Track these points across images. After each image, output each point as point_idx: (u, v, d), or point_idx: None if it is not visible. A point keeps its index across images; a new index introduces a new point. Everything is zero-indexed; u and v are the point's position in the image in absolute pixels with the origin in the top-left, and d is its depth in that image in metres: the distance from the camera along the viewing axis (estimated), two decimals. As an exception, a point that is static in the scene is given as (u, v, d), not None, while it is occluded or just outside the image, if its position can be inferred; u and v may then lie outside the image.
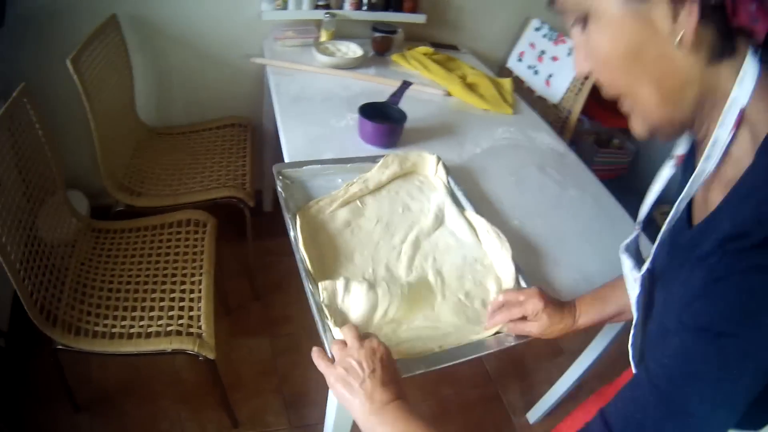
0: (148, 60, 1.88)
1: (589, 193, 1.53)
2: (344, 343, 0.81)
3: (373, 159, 1.34)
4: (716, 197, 0.54)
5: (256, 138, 2.04)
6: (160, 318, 1.32)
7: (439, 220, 1.24)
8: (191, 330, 1.30)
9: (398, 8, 1.93)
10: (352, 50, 1.83)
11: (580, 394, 1.75)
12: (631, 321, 0.74)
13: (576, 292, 1.06)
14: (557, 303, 0.99)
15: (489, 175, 1.49)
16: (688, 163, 0.68)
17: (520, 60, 2.30)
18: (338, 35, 1.87)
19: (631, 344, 0.74)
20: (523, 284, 1.09)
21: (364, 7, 1.87)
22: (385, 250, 1.13)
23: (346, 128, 1.52)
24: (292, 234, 1.07)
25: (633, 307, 0.73)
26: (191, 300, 1.38)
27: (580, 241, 1.33)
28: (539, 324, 0.96)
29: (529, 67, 2.26)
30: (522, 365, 2.09)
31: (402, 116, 1.47)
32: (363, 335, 0.82)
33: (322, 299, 0.94)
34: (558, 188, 1.52)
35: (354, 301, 0.96)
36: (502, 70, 2.43)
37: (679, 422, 0.50)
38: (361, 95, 1.65)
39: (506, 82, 1.99)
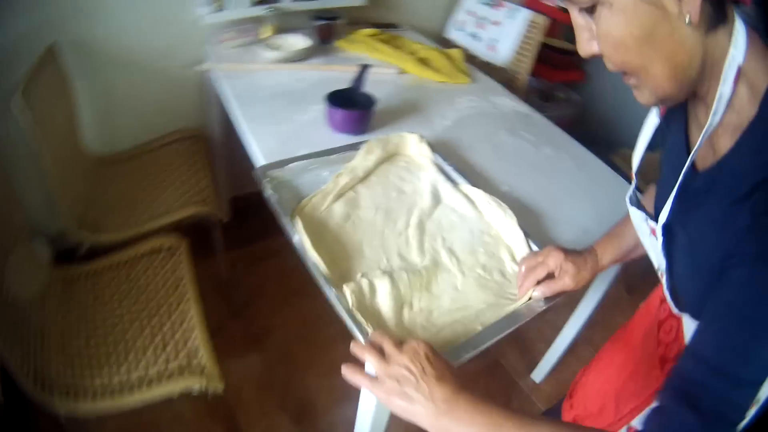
0: (90, 86, 1.71)
1: (563, 149, 1.55)
2: (379, 352, 0.74)
3: (355, 147, 1.28)
4: (724, 143, 0.60)
5: (209, 149, 1.93)
6: (156, 358, 1.21)
7: (437, 199, 1.20)
8: (193, 363, 1.21)
9: None
10: (298, 42, 1.75)
11: (578, 347, 1.79)
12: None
13: (582, 246, 1.06)
14: (575, 252, 1.00)
15: (465, 145, 1.46)
16: (672, 114, 0.74)
17: (460, 29, 2.29)
18: (280, 30, 1.79)
19: (668, 289, 0.77)
20: (534, 248, 1.08)
21: None
22: (392, 237, 1.08)
23: (312, 121, 1.45)
24: (296, 238, 1.00)
25: (658, 256, 0.75)
26: (184, 332, 1.28)
27: (570, 197, 1.33)
28: (569, 275, 0.95)
29: (471, 35, 2.24)
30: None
31: (370, 100, 1.42)
32: (397, 340, 0.75)
33: (351, 304, 0.88)
34: (533, 149, 1.53)
35: (381, 298, 0.91)
36: (443, 42, 2.40)
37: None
38: (318, 85, 1.58)
39: (456, 53, 1.97)
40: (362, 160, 1.24)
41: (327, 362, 1.84)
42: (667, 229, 0.70)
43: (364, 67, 1.49)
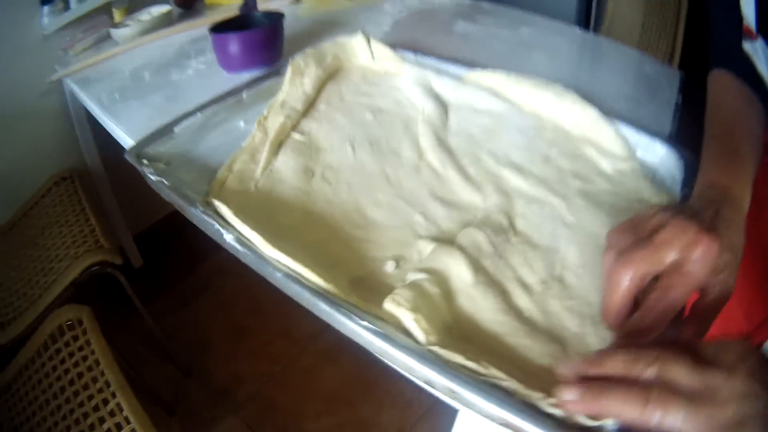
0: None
1: (535, 25, 1.13)
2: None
3: (274, 74, 0.77)
4: None
5: (86, 186, 1.44)
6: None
7: (440, 102, 0.71)
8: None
9: None
10: (155, 11, 1.29)
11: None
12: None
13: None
14: (688, 208, 0.43)
15: (424, 43, 1.00)
16: None
17: None
18: (134, 9, 1.32)
19: None
20: (629, 135, 0.62)
21: None
22: (407, 177, 0.58)
23: (197, 75, 0.94)
24: (228, 238, 0.47)
25: None
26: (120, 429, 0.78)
27: (582, 75, 0.93)
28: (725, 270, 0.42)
29: None
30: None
31: (274, 15, 0.93)
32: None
33: (423, 337, 0.38)
34: (509, 31, 1.10)
35: (467, 294, 0.44)
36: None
37: None
38: (196, 43, 1.09)
39: None
40: (294, 86, 0.72)
41: (320, 397, 1.37)
42: None
43: None
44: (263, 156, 0.61)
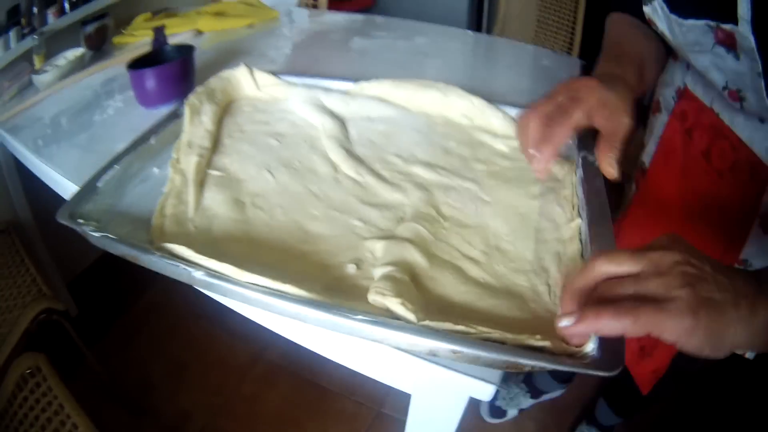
0: None
1: (428, 34, 1.25)
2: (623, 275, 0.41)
3: (173, 117, 0.77)
4: None
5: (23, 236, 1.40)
6: None
7: (335, 117, 0.77)
8: None
9: None
10: (69, 55, 1.29)
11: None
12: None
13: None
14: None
15: (322, 61, 1.09)
16: None
17: None
18: (53, 55, 1.30)
19: None
20: (512, 114, 0.74)
21: (67, 10, 1.37)
22: (332, 191, 0.64)
23: (117, 113, 0.95)
24: (198, 275, 0.49)
25: (736, 67, 0.58)
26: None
27: (479, 75, 1.06)
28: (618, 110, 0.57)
29: None
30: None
31: (185, 48, 0.96)
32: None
33: (415, 316, 0.44)
34: (405, 41, 1.20)
35: (434, 276, 0.51)
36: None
37: None
38: (109, 83, 1.09)
39: None
40: (194, 125, 0.74)
41: (267, 421, 1.39)
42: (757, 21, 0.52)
43: (158, 29, 1.03)
44: (190, 196, 0.63)
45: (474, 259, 0.53)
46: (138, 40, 1.40)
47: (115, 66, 1.19)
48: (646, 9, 0.66)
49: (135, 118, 0.89)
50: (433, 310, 0.46)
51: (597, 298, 0.40)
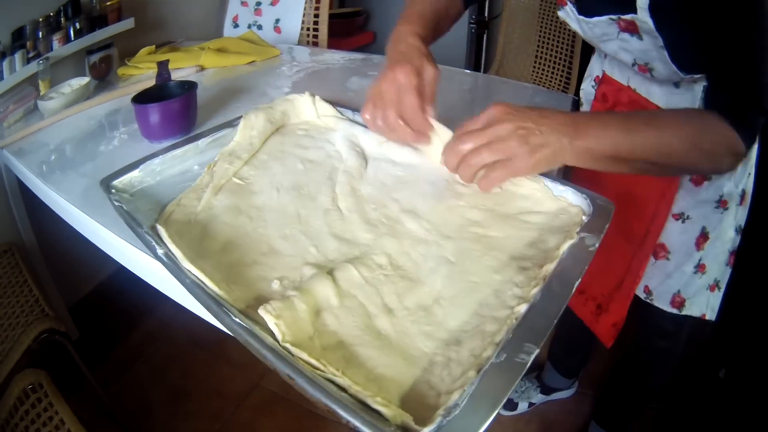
0: None
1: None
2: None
3: (228, 125, 0.89)
4: None
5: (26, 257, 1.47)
6: None
7: (362, 156, 0.82)
8: None
9: (104, 23, 1.54)
10: (75, 83, 1.36)
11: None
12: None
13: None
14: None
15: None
16: None
17: (236, 26, 2.01)
18: (57, 81, 1.39)
19: (674, 59, 0.74)
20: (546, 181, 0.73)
21: (72, 38, 1.46)
22: (315, 217, 0.69)
23: (124, 143, 1.02)
24: (160, 252, 0.58)
25: (642, 45, 0.75)
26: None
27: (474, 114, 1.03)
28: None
29: (251, 25, 1.98)
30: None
31: (187, 84, 1.02)
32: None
33: (280, 335, 0.48)
34: None
35: (332, 312, 0.54)
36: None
37: None
38: (114, 114, 1.18)
39: (250, 34, 1.72)
40: (244, 137, 0.85)
41: None
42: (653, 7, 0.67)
43: (163, 63, 1.12)
44: (206, 195, 0.72)
45: (391, 311, 0.54)
46: (142, 72, 1.48)
47: (119, 98, 1.26)
48: (560, 13, 0.86)
49: (139, 151, 0.88)
50: (317, 344, 0.49)
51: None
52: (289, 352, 0.45)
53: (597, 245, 0.60)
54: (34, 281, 1.34)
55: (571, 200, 0.69)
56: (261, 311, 0.48)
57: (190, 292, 0.53)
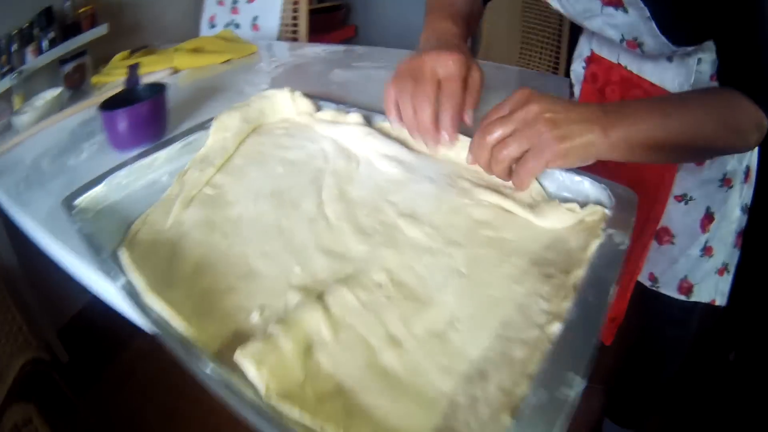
0: None
1: None
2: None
3: (200, 128, 0.79)
4: None
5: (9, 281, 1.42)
6: None
7: (350, 156, 0.73)
8: None
9: (78, 31, 1.46)
10: (47, 95, 1.29)
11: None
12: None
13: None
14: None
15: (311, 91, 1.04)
16: None
17: (213, 26, 1.94)
18: (32, 95, 1.32)
19: (661, 28, 0.70)
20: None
21: (45, 49, 1.38)
22: (299, 228, 0.59)
23: (90, 157, 0.92)
24: (119, 284, 0.49)
25: (628, 19, 0.71)
26: None
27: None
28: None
29: (228, 24, 1.91)
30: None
31: (157, 87, 0.93)
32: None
33: (264, 389, 0.39)
34: (388, 72, 1.15)
35: (324, 349, 0.45)
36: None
37: None
38: (85, 125, 1.08)
39: (227, 32, 1.65)
40: (216, 141, 0.75)
41: None
42: None
43: (133, 67, 1.06)
44: (174, 210, 0.63)
45: (397, 343, 0.44)
46: (116, 79, 1.38)
47: (92, 107, 1.13)
48: None
49: (109, 163, 0.76)
50: (310, 392, 0.40)
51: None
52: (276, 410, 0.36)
53: (627, 242, 0.52)
54: (17, 308, 1.28)
55: (588, 192, 0.61)
56: (238, 357, 0.39)
57: (156, 332, 0.44)
